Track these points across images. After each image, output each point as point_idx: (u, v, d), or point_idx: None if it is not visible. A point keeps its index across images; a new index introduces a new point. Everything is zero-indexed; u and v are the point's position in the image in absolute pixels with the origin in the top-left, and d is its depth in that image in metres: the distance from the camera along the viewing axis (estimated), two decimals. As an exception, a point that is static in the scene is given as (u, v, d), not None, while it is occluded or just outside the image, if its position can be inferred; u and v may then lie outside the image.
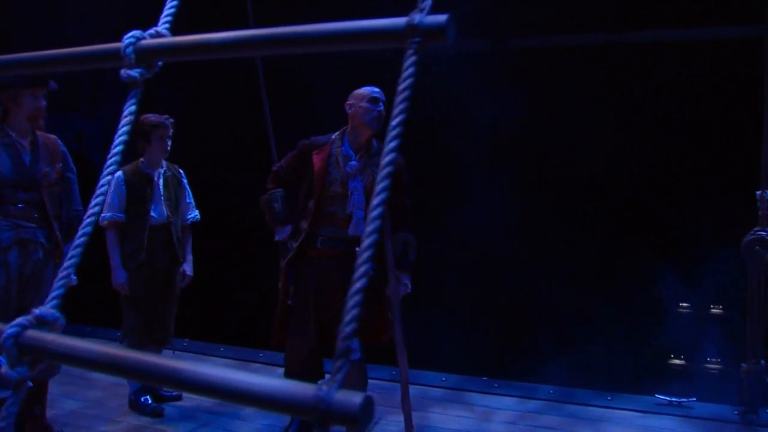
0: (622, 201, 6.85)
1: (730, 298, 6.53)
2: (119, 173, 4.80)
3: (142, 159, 4.91)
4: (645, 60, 6.53)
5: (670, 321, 6.80)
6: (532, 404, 4.95)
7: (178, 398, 5.12)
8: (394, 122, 1.20)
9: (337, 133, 4.28)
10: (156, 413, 4.88)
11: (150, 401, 4.93)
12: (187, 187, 5.11)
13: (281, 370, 4.51)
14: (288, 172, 4.38)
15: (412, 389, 4.67)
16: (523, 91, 6.83)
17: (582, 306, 6.74)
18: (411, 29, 1.21)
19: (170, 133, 4.89)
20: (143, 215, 4.80)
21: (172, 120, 4.90)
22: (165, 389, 5.13)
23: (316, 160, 4.18)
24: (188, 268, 5.06)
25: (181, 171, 5.10)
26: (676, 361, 6.99)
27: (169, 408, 4.96)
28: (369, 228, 1.15)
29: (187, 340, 6.06)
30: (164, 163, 4.97)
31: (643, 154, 6.78)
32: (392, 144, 1.18)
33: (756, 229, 4.27)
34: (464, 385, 5.21)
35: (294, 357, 4.26)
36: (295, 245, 4.23)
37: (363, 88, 4.23)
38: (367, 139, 4.21)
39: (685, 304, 7.10)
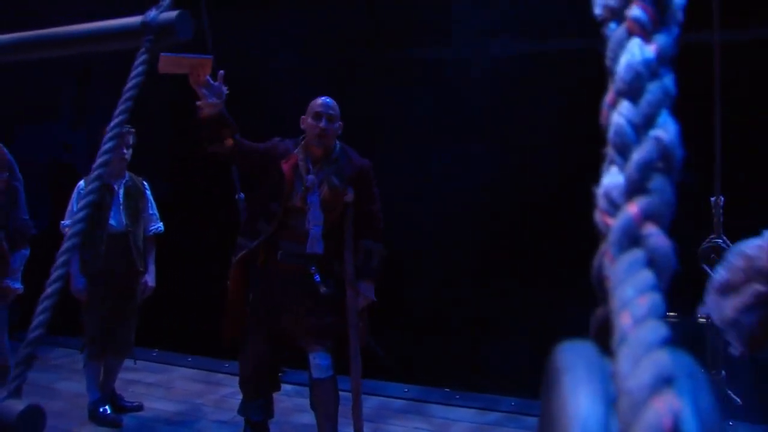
0: (583, 211, 6.72)
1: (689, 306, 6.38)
2: (81, 182, 4.84)
3: (104, 167, 4.93)
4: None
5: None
6: (492, 416, 4.85)
7: (139, 408, 5.09)
8: (113, 122, 1.15)
9: (301, 140, 4.11)
10: (114, 424, 4.86)
11: (109, 411, 4.91)
12: (151, 198, 5.10)
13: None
14: (253, 151, 4.02)
15: (373, 400, 4.61)
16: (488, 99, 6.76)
17: (546, 316, 6.61)
18: (145, 27, 1.17)
19: (129, 142, 4.87)
20: (102, 223, 4.79)
21: (131, 129, 4.88)
22: (126, 400, 5.11)
23: (285, 167, 3.99)
24: (150, 279, 5.04)
25: (145, 183, 5.09)
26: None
27: (128, 418, 4.94)
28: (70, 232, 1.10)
29: (156, 350, 6.04)
30: (128, 173, 4.96)
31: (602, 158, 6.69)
32: (108, 145, 1.13)
33: (712, 236, 4.15)
34: (425, 396, 5.12)
35: (249, 365, 4.17)
36: (251, 245, 3.99)
37: (315, 100, 4.09)
38: (321, 154, 4.02)
39: (672, 313, 6.93)
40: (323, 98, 4.07)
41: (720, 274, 1.40)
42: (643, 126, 0.54)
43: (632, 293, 0.46)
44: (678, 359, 0.41)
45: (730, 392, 4.35)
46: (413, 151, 6.77)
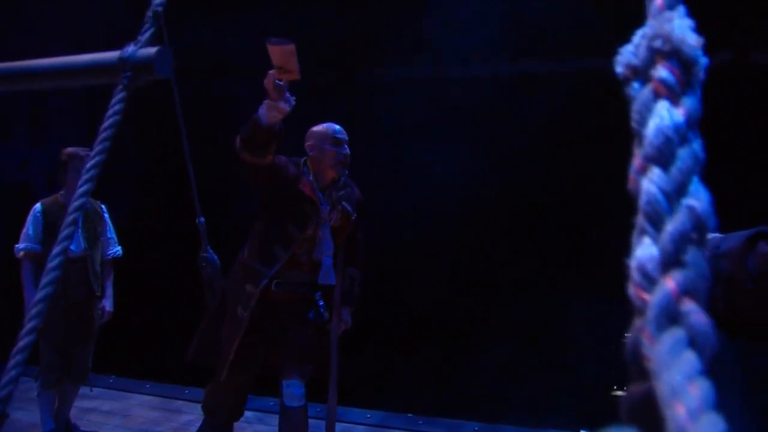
0: (554, 231, 6.78)
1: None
2: (37, 204, 4.75)
3: (62, 191, 4.84)
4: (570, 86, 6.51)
5: (609, 352, 6.71)
6: (456, 441, 4.83)
7: (95, 439, 4.96)
8: (90, 163, 1.11)
9: (303, 165, 3.86)
10: (69, 454, 4.73)
11: (63, 442, 4.78)
12: (109, 222, 5.01)
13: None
14: (281, 169, 3.72)
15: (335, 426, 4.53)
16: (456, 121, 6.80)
17: (514, 339, 6.64)
18: (122, 63, 1.12)
19: None
20: None
21: (90, 152, 4.80)
22: (81, 429, 4.98)
23: (307, 191, 3.77)
24: (108, 303, 4.93)
25: (103, 206, 5.01)
26: (619, 393, 6.88)
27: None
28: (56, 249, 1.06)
29: (113, 376, 5.90)
30: None
31: (570, 176, 6.75)
32: (84, 187, 1.09)
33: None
34: (388, 422, 5.07)
35: (224, 392, 4.00)
36: (269, 272, 3.71)
37: (323, 127, 3.90)
38: (331, 180, 3.86)
39: (629, 335, 7.00)
40: (334, 124, 3.92)
41: None
42: (675, 195, 0.52)
43: (681, 380, 0.44)
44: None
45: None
46: (386, 170, 6.77)
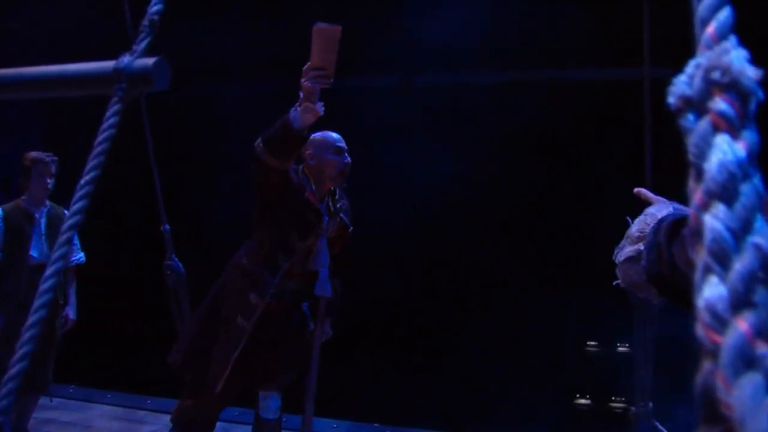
0: (515, 240, 6.84)
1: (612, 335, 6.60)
2: None
3: (23, 197, 4.73)
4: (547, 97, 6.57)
5: (576, 360, 6.78)
6: (424, 451, 4.82)
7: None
8: (84, 179, 1.06)
9: (301, 173, 3.70)
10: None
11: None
12: (73, 228, 4.91)
13: (168, 418, 4.24)
14: (293, 177, 3.58)
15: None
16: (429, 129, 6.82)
17: (480, 348, 6.67)
18: (117, 74, 1.08)
19: (51, 171, 4.70)
20: (23, 254, 4.59)
21: (54, 158, 4.71)
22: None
23: (313, 200, 3.65)
24: (71, 311, 4.83)
25: (66, 212, 4.89)
26: (582, 401, 6.95)
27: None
28: (55, 255, 1.01)
29: (73, 386, 5.77)
30: (48, 202, 4.78)
31: (534, 193, 6.82)
32: (79, 204, 1.05)
33: (640, 270, 4.24)
34: (355, 431, 5.05)
35: (205, 404, 3.86)
36: (274, 281, 3.55)
37: (323, 135, 3.74)
38: (328, 190, 3.76)
39: (592, 343, 7.09)
40: (332, 132, 3.78)
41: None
42: (741, 232, 0.51)
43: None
44: None
45: (657, 424, 4.44)
46: (361, 178, 6.75)
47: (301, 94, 3.20)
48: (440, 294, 6.95)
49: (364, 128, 6.55)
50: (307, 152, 3.69)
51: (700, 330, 0.50)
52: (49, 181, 4.67)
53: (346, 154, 3.71)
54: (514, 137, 6.54)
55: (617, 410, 6.64)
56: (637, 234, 1.46)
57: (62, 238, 0.99)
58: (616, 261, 1.51)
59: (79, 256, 4.92)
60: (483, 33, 6.37)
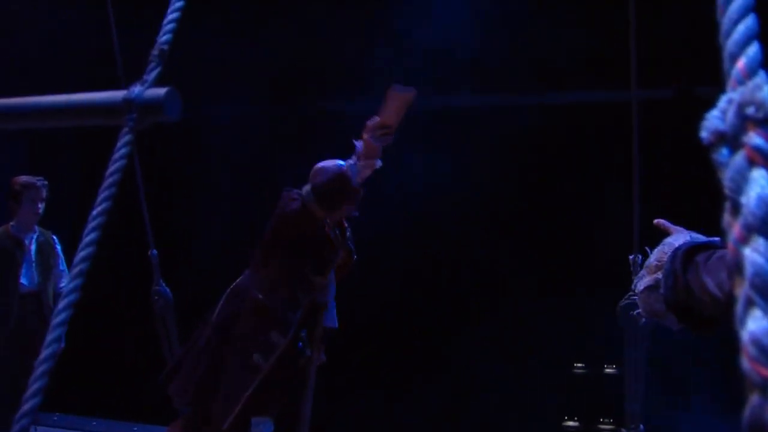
0: (502, 263, 6.86)
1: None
2: None
3: (12, 222, 4.68)
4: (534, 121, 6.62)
5: (563, 381, 6.79)
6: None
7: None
8: (96, 211, 1.06)
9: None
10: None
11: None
12: (61, 253, 4.88)
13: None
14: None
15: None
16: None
17: (468, 370, 6.66)
18: (128, 104, 1.08)
19: (43, 196, 4.67)
20: (13, 281, 4.54)
21: (45, 182, 4.68)
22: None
23: (330, 234, 3.56)
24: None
25: (55, 237, 4.87)
26: (570, 423, 6.94)
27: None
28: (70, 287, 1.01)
29: (57, 414, 5.69)
30: (37, 228, 4.73)
31: (518, 217, 6.85)
32: (91, 236, 1.04)
33: (630, 293, 4.26)
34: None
35: None
36: (294, 318, 3.49)
37: (334, 165, 3.53)
38: (339, 221, 3.69)
39: (580, 364, 7.10)
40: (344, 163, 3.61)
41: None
42: (782, 266, 0.52)
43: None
44: None
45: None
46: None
47: (359, 147, 3.16)
48: (421, 318, 6.94)
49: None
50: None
51: (746, 364, 0.50)
52: (40, 206, 4.63)
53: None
54: (496, 161, 6.60)
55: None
56: (655, 263, 1.50)
57: (75, 270, 0.98)
58: (636, 290, 1.55)
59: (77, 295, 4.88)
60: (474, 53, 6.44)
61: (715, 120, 0.59)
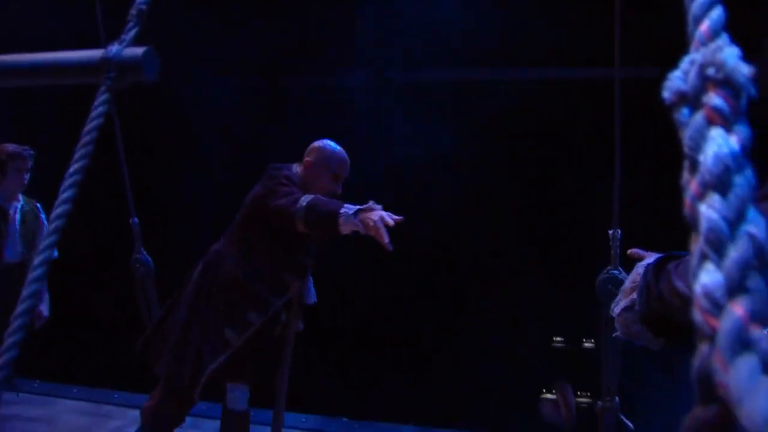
0: (480, 237, 6.89)
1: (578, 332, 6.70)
2: None
3: (-3, 191, 4.63)
4: (518, 97, 6.62)
5: (541, 356, 6.86)
6: (392, 445, 4.84)
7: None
8: (72, 168, 1.06)
9: (298, 178, 3.56)
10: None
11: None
12: (45, 222, 4.83)
13: (135, 412, 4.20)
14: None
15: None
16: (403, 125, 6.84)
17: (447, 344, 6.71)
18: (105, 63, 1.08)
19: (29, 166, 4.62)
20: None
21: (32, 152, 4.63)
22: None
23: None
24: (45, 308, 4.76)
25: (39, 205, 4.82)
26: (548, 396, 7.02)
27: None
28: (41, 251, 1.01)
29: (37, 381, 5.69)
30: (21, 196, 4.68)
31: (498, 192, 6.87)
32: (67, 194, 1.05)
33: (609, 268, 4.30)
34: (324, 426, 5.05)
35: (179, 400, 3.81)
36: (278, 302, 3.54)
37: (330, 154, 3.61)
38: None
39: (558, 339, 7.17)
40: (345, 155, 3.66)
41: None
42: (735, 221, 0.53)
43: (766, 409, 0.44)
44: None
45: (623, 417, 4.51)
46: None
47: (371, 212, 3.06)
48: (410, 290, 6.97)
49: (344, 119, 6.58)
50: (307, 159, 3.62)
51: (697, 315, 0.52)
52: (26, 176, 4.58)
53: (341, 184, 3.63)
54: (486, 135, 6.60)
55: (583, 405, 6.71)
56: (630, 286, 1.53)
57: (51, 226, 0.99)
58: (614, 314, 1.58)
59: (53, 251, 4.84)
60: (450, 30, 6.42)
61: (677, 81, 0.60)
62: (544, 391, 7.10)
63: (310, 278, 3.75)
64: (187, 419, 4.37)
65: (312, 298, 3.76)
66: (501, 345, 6.47)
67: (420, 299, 6.92)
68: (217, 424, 3.87)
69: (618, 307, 1.58)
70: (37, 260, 0.96)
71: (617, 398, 4.53)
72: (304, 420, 5.10)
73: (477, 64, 6.98)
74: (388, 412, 5.32)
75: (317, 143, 3.66)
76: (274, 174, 3.48)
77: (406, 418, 5.18)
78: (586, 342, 6.97)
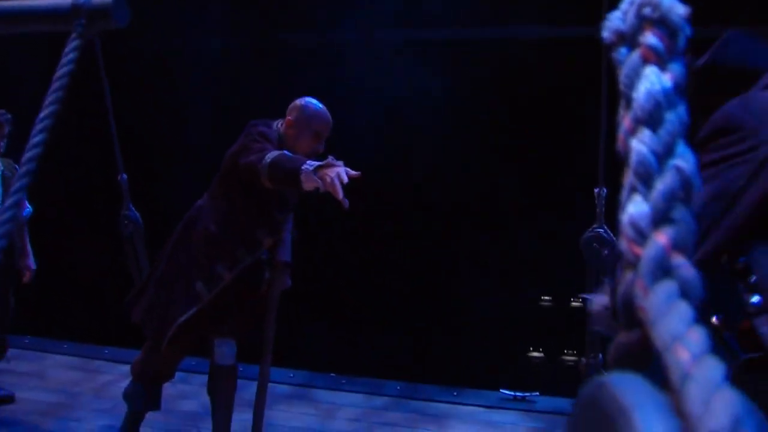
0: (468, 196, 6.89)
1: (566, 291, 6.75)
2: None
3: (-23, 152, 4.62)
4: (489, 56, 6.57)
5: (528, 314, 6.92)
6: (379, 401, 4.89)
7: (11, 399, 4.81)
8: (43, 113, 1.07)
9: (279, 134, 3.54)
10: (-17, 416, 4.60)
11: (-22, 403, 4.65)
12: (25, 186, 4.82)
13: (126, 368, 4.24)
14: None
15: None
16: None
17: (435, 301, 6.77)
18: (76, 10, 1.09)
19: (5, 131, 4.60)
20: None
21: (9, 116, 4.61)
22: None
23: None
24: (30, 261, 4.80)
25: (18, 167, 4.81)
26: (535, 354, 7.12)
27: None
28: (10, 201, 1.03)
29: (28, 337, 5.74)
30: (0, 161, 4.68)
31: (486, 151, 6.86)
32: (38, 138, 1.06)
33: (594, 226, 4.34)
34: (311, 381, 5.11)
35: (167, 355, 3.84)
36: (249, 259, 3.54)
37: (312, 113, 3.56)
38: None
39: (546, 298, 7.24)
40: (327, 114, 3.61)
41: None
42: (663, 155, 0.55)
43: (681, 327, 0.46)
44: (741, 398, 0.42)
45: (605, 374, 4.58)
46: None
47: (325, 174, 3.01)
48: (389, 253, 6.99)
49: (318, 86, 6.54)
50: (289, 117, 3.59)
51: (623, 244, 0.54)
52: (2, 142, 4.57)
53: (322, 143, 3.58)
54: (476, 96, 6.59)
55: (569, 363, 6.81)
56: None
57: (23, 169, 1.00)
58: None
59: (28, 209, 4.82)
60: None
61: (616, 21, 0.62)
62: (531, 349, 7.21)
63: (288, 236, 3.74)
64: (177, 374, 4.44)
65: (286, 255, 3.73)
66: (489, 303, 6.50)
67: (408, 255, 6.95)
68: (205, 378, 3.91)
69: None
70: (9, 201, 0.98)
71: (600, 355, 4.60)
72: (291, 375, 5.16)
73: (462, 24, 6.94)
74: (376, 368, 5.38)
75: (299, 101, 3.62)
76: (249, 131, 3.47)
77: (394, 374, 5.25)
78: (574, 301, 7.03)
